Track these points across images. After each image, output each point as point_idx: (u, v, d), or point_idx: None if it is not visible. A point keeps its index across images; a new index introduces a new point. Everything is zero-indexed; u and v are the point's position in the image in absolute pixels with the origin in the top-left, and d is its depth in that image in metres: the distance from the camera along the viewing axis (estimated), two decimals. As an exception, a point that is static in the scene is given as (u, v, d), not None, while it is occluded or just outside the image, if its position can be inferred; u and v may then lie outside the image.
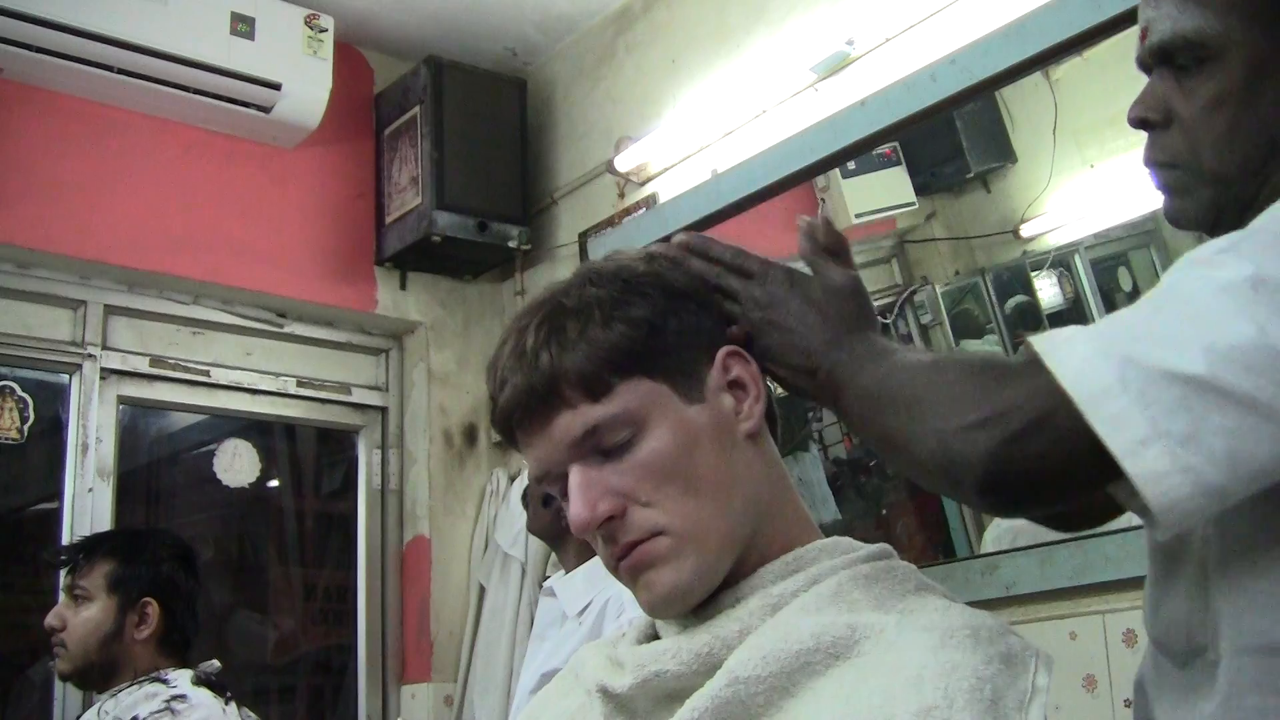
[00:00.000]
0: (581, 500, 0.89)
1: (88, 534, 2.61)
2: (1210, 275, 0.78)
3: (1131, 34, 2.26)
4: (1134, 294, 2.42)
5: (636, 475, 0.90)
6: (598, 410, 0.89)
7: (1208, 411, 0.74)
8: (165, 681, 2.19)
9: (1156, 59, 0.96)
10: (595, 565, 2.24)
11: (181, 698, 2.15)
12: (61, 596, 2.29)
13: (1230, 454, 0.74)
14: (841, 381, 0.93)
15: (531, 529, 2.63)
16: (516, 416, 0.92)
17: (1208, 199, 0.93)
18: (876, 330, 0.97)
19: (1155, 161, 0.96)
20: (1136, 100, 0.97)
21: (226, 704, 2.19)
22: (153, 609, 2.24)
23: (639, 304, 0.92)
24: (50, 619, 2.22)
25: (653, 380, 0.91)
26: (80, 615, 2.21)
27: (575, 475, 0.90)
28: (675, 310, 0.94)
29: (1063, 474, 0.81)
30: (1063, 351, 0.79)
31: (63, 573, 2.33)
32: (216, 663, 2.28)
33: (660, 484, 0.89)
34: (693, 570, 0.89)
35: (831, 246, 1.01)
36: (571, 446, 0.90)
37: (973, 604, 0.90)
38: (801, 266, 1.01)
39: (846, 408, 0.94)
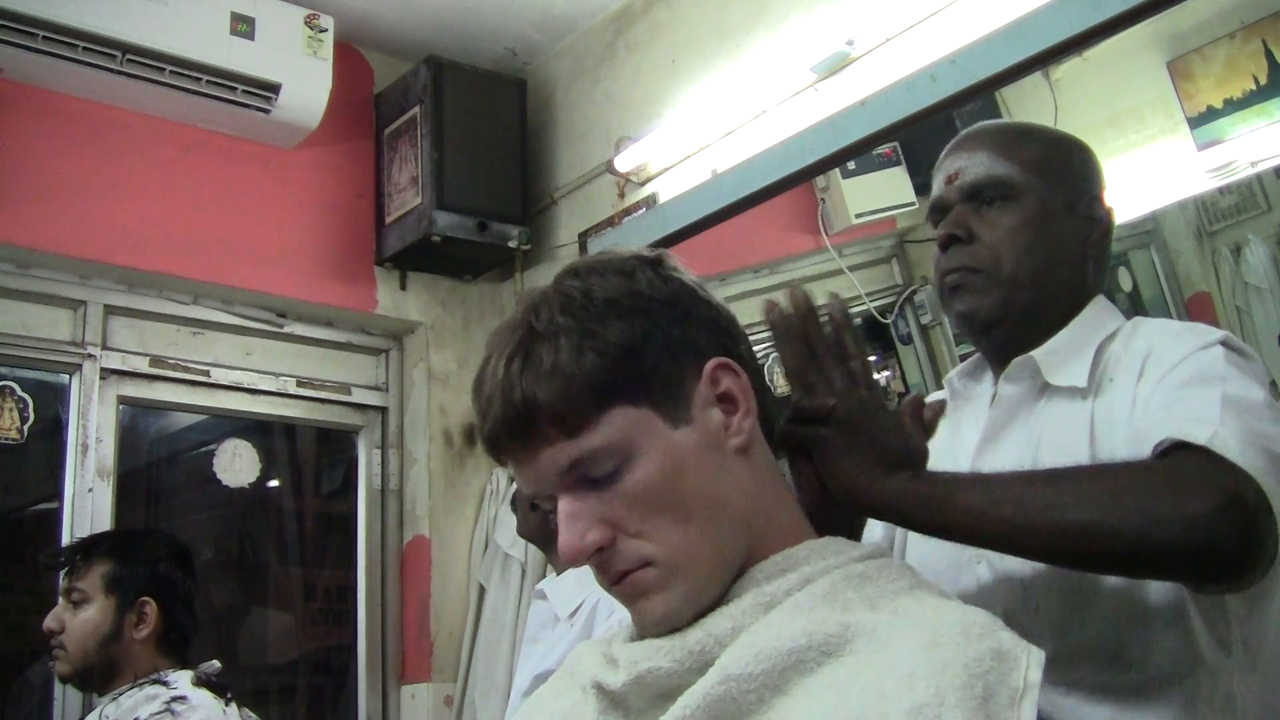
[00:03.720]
0: (571, 531, 0.90)
1: (85, 535, 2.61)
2: (1255, 394, 1.06)
3: (1130, 34, 2.26)
4: (1134, 294, 2.41)
5: (625, 505, 0.89)
6: (579, 445, 0.88)
7: None
8: (165, 683, 2.18)
9: (964, 195, 1.29)
10: (585, 567, 2.24)
11: (181, 699, 2.14)
12: (59, 599, 2.29)
13: None
14: (947, 490, 0.99)
15: (522, 534, 2.63)
16: (500, 444, 0.92)
17: (1000, 299, 1.24)
18: None
19: (959, 267, 1.27)
20: (944, 223, 1.30)
21: (226, 704, 2.19)
22: (151, 608, 2.24)
23: (614, 327, 0.90)
24: (48, 621, 2.21)
25: (636, 407, 0.89)
26: (79, 617, 2.20)
27: (564, 505, 0.90)
28: (656, 326, 0.91)
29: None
30: (1223, 446, 0.98)
31: (60, 575, 2.32)
32: (216, 663, 2.28)
33: (648, 514, 0.89)
34: (683, 598, 0.90)
35: (926, 425, 1.09)
36: (558, 478, 0.90)
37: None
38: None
39: (969, 505, 0.97)
